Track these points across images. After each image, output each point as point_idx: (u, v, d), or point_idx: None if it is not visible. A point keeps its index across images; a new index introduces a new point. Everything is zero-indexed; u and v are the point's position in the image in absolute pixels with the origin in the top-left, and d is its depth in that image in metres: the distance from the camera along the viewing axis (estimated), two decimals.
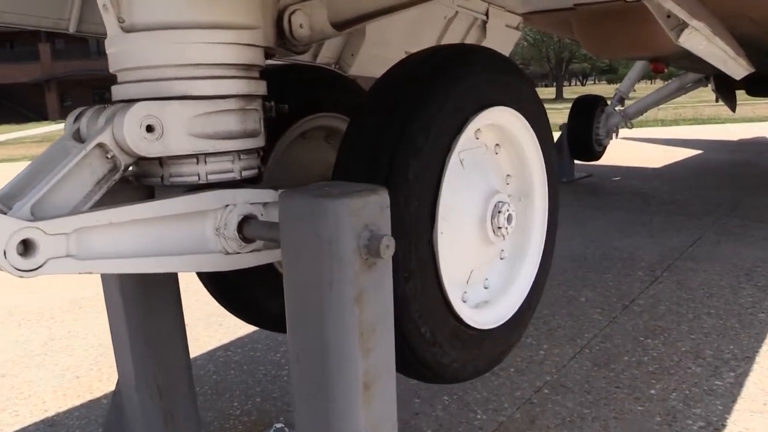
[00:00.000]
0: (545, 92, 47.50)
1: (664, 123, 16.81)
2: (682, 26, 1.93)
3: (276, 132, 1.99)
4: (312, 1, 1.60)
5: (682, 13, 1.77)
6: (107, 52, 1.42)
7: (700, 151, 10.83)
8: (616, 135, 8.29)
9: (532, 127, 1.81)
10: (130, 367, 1.79)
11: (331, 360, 1.17)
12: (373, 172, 1.38)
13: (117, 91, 1.42)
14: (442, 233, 1.53)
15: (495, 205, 1.70)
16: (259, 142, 1.50)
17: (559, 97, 41.43)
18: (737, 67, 2.65)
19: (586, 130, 7.87)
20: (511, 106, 1.71)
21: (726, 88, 8.02)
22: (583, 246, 4.92)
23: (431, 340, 1.48)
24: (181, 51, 1.32)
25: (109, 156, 1.29)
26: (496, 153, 1.81)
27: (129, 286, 1.74)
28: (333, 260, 1.12)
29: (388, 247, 1.13)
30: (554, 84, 51.48)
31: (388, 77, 1.56)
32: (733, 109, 8.37)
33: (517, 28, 3.69)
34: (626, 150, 11.00)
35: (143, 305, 1.76)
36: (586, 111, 7.97)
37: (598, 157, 8.16)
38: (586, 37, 3.87)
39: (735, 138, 12.81)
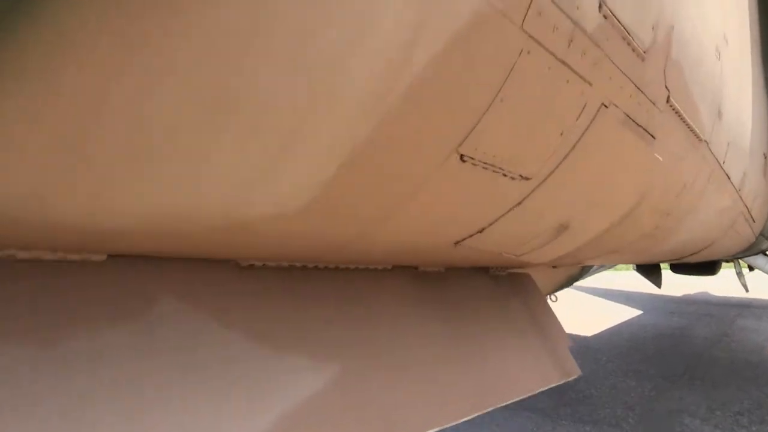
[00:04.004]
0: None
1: (616, 268, 16.84)
2: None
3: None
4: None
5: None
6: None
7: (638, 312, 10.68)
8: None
9: None
10: None
11: None
12: None
13: None
14: None
15: None
16: None
17: None
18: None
19: None
20: None
21: (648, 268, 7.98)
22: None
23: None
24: None
25: None
26: None
27: None
28: None
29: None
30: None
31: None
32: (659, 286, 8.28)
33: None
34: (570, 305, 10.83)
35: None
36: None
37: None
38: None
39: (680, 293, 12.74)
